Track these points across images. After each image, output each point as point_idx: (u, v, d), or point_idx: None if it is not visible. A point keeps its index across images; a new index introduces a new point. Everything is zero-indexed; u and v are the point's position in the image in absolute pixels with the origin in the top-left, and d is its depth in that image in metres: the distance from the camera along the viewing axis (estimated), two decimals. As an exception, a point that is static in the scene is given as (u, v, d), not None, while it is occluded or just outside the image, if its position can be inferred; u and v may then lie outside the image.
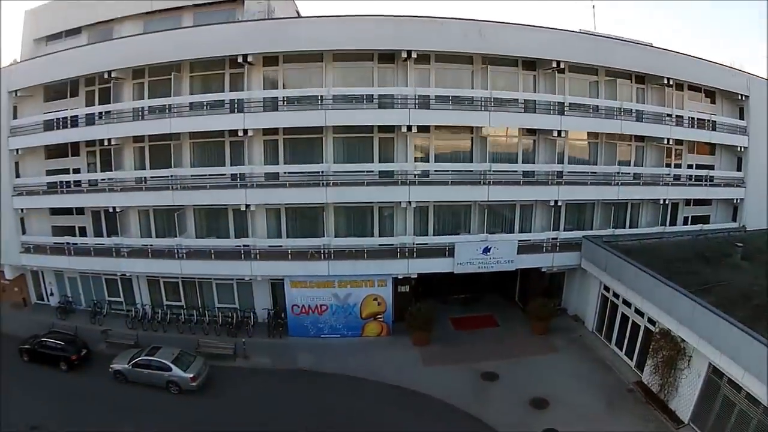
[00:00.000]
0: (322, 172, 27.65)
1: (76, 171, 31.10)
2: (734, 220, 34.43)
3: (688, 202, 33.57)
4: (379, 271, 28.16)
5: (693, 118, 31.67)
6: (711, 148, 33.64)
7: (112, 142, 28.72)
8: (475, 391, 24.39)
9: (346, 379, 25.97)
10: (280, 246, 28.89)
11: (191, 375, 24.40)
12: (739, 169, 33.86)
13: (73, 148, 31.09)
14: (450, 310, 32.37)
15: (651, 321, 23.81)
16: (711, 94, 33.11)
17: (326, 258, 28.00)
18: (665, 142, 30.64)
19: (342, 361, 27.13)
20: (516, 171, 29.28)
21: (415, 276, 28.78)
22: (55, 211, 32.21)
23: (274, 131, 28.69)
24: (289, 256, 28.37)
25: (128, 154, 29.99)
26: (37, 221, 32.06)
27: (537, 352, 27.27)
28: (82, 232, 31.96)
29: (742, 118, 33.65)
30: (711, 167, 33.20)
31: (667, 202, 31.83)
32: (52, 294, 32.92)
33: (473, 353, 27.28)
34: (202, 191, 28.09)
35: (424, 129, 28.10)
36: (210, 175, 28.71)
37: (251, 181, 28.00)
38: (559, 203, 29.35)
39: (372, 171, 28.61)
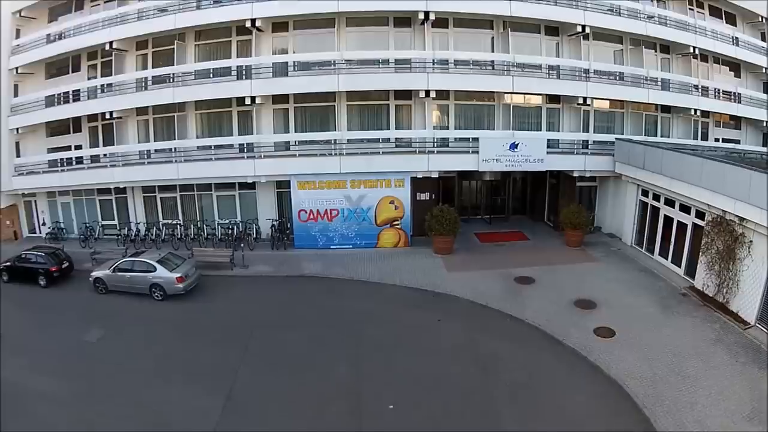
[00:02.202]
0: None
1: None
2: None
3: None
4: (397, 167, 23.89)
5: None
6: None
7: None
8: (510, 293, 20.12)
9: (358, 284, 21.68)
10: (287, 143, 24.79)
11: (177, 275, 20.22)
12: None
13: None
14: (474, 227, 28.00)
15: (699, 215, 20.02)
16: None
17: (338, 154, 23.88)
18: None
19: (354, 269, 22.71)
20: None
21: (436, 175, 24.37)
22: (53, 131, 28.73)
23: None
24: (297, 154, 24.48)
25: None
26: (33, 144, 28.84)
27: (574, 260, 23.00)
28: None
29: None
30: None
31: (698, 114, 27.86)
32: (44, 224, 29.55)
33: (503, 261, 22.88)
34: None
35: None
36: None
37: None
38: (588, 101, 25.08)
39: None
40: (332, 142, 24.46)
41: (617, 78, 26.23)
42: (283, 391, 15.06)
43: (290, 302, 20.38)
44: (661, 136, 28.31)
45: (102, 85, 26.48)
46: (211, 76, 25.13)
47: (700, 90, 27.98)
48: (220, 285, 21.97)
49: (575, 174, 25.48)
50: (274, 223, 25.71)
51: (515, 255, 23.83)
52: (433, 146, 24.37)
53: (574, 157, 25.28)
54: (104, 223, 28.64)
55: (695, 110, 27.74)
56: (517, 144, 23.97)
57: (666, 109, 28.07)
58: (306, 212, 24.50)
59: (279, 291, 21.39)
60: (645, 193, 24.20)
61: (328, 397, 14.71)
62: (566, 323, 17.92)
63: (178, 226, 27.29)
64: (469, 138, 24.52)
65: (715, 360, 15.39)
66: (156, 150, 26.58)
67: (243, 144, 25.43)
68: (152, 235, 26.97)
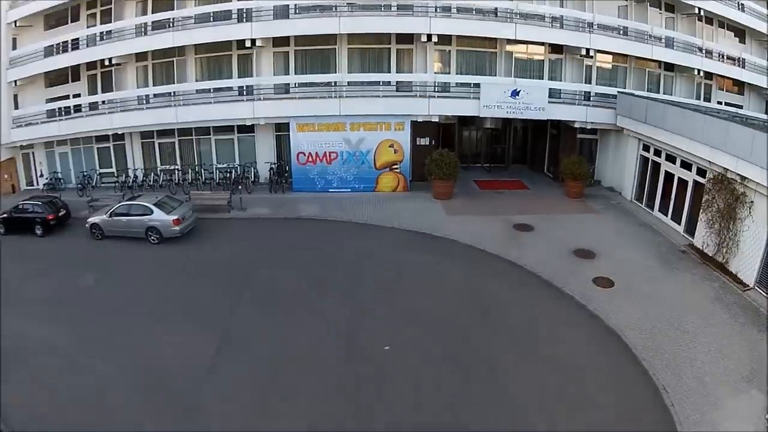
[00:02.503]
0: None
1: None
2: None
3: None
4: (397, 110, 23.37)
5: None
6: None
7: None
8: (509, 239, 19.80)
9: (356, 226, 21.31)
10: (287, 85, 24.12)
11: (174, 217, 19.84)
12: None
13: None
14: (474, 175, 27.48)
15: (700, 172, 19.39)
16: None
17: (337, 96, 23.40)
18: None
19: (352, 212, 22.29)
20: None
21: (437, 119, 23.90)
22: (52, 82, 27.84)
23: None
24: (297, 96, 23.85)
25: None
26: (32, 95, 27.94)
27: (574, 211, 22.58)
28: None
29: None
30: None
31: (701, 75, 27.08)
32: (41, 175, 28.81)
33: (502, 207, 22.50)
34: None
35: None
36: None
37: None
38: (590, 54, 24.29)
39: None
40: (332, 84, 23.85)
41: (621, 33, 25.34)
42: (278, 331, 14.76)
43: (288, 243, 20.05)
44: (664, 94, 27.43)
45: (101, 33, 25.65)
46: (212, 20, 24.17)
47: (704, 52, 27.15)
48: (218, 227, 21.65)
49: (576, 125, 24.89)
50: (273, 166, 25.28)
51: (515, 203, 23.44)
52: (434, 91, 23.79)
53: (575, 108, 24.64)
54: (102, 171, 28.05)
55: (699, 71, 27.00)
56: (519, 91, 23.39)
57: (669, 67, 27.29)
58: (305, 155, 24.08)
59: (276, 233, 21.00)
60: (646, 147, 23.58)
61: (324, 338, 14.39)
62: (565, 271, 17.57)
63: (176, 171, 26.75)
64: (470, 84, 23.87)
65: (714, 318, 14.92)
66: (155, 95, 25.76)
67: (242, 87, 24.71)
68: (150, 180, 26.39)
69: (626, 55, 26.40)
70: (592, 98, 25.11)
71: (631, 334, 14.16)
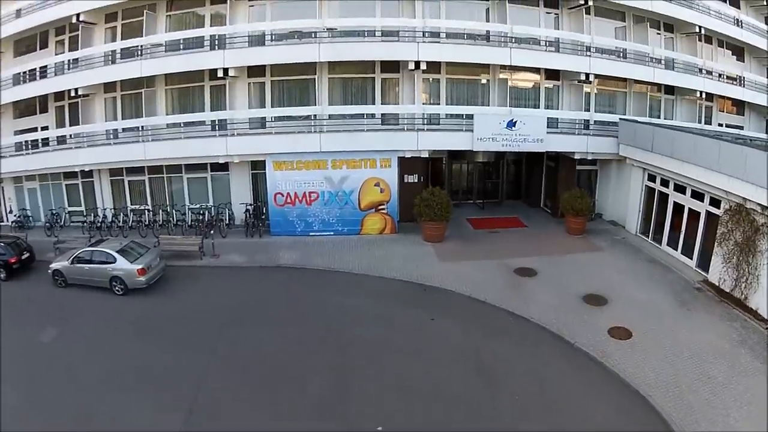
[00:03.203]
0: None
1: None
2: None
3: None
4: (383, 146, 20.47)
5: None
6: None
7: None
8: (511, 286, 17.00)
9: (340, 275, 18.27)
10: (263, 119, 21.49)
11: (139, 267, 17.02)
12: None
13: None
14: (466, 212, 24.34)
15: (714, 203, 17.32)
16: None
17: (318, 131, 20.53)
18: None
19: (335, 259, 19.25)
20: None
21: (426, 155, 20.94)
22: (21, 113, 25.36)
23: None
24: (273, 131, 21.03)
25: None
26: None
27: (577, 250, 19.91)
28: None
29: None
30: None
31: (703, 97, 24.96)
32: (10, 211, 26.15)
33: (500, 249, 19.64)
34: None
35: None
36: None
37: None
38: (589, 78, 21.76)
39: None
40: (312, 117, 20.79)
41: (620, 56, 22.81)
42: (253, 406, 11.84)
43: (264, 296, 16.87)
44: (665, 119, 24.74)
45: (69, 61, 22.74)
46: (181, 48, 21.48)
47: (704, 72, 24.81)
48: (188, 277, 18.41)
49: (576, 156, 21.98)
50: (249, 207, 21.99)
51: (512, 243, 20.45)
52: (423, 123, 20.83)
53: (575, 138, 21.93)
54: (71, 209, 24.91)
55: (700, 93, 24.42)
56: (515, 122, 20.44)
57: (670, 90, 24.70)
58: (283, 195, 20.90)
59: (252, 284, 17.82)
60: (652, 177, 20.70)
61: (306, 415, 11.55)
62: (576, 322, 14.71)
63: (146, 211, 23.52)
64: (462, 115, 21.02)
65: (742, 363, 12.96)
66: (124, 129, 22.76)
67: (215, 121, 21.68)
68: (119, 221, 23.20)
69: (625, 80, 23.59)
70: (591, 127, 22.27)
71: (657, 394, 11.90)
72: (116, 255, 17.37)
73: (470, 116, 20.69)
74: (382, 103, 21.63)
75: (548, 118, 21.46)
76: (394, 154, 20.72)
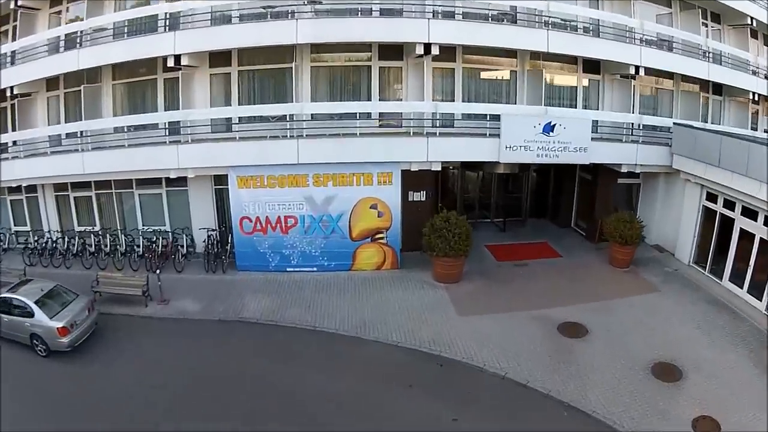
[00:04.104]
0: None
1: None
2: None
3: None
4: (381, 155, 12.98)
5: None
6: None
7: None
8: (557, 356, 10.22)
9: (322, 338, 11.16)
10: (228, 120, 14.04)
11: (60, 325, 10.37)
12: None
13: None
14: (484, 236, 16.20)
15: None
16: None
17: (296, 136, 13.09)
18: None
19: (317, 309, 12.13)
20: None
21: (438, 167, 13.35)
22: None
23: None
24: (237, 137, 13.45)
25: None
26: None
27: (628, 290, 13.11)
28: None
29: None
30: None
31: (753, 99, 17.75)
32: None
33: (534, 293, 12.73)
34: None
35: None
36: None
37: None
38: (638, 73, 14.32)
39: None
40: (288, 118, 13.39)
41: (666, 47, 15.54)
42: None
43: (219, 371, 10.02)
44: (712, 123, 17.50)
45: (8, 54, 15.18)
46: (126, 32, 14.35)
47: (758, 70, 17.58)
48: (126, 333, 11.54)
49: (623, 169, 14.76)
50: (211, 233, 14.46)
51: (548, 283, 13.37)
52: (434, 125, 13.41)
53: (623, 147, 14.64)
54: (17, 229, 17.42)
55: (754, 94, 17.35)
56: (554, 125, 13.20)
57: (717, 90, 17.46)
58: (251, 220, 13.49)
59: (205, 348, 10.91)
60: (712, 197, 13.83)
61: None
62: (651, 412, 8.57)
63: (93, 235, 15.88)
64: (485, 115, 13.52)
65: None
66: (68, 134, 15.32)
67: (167, 124, 14.22)
68: (65, 246, 15.76)
69: (671, 76, 16.47)
70: (640, 132, 14.93)
71: None
72: (34, 307, 10.77)
73: (495, 117, 13.34)
74: (380, 100, 14.05)
75: (594, 120, 14.19)
76: (396, 167, 13.21)
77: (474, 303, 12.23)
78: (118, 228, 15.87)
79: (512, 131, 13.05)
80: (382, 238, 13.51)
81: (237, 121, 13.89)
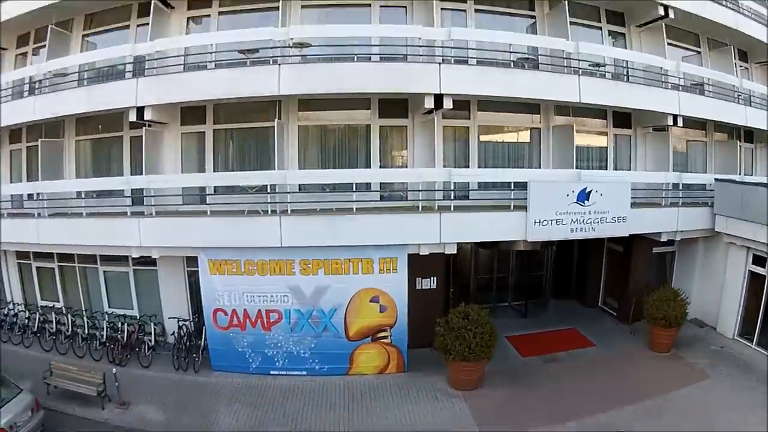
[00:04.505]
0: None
1: None
2: None
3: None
4: (384, 236, 9.68)
5: None
6: None
7: None
8: None
9: None
10: (202, 190, 10.91)
11: None
12: None
13: None
14: (503, 324, 11.77)
15: None
16: None
17: (279, 212, 9.81)
18: None
19: (309, 427, 8.84)
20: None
21: (453, 251, 10.12)
22: None
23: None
24: (209, 211, 10.21)
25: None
26: None
27: (677, 381, 10.08)
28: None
29: None
30: None
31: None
32: None
33: (573, 399, 9.44)
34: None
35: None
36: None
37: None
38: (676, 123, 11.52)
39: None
40: (269, 189, 10.10)
41: (698, 92, 12.75)
42: None
43: None
44: (744, 174, 14.54)
45: None
46: (87, 80, 11.38)
47: None
48: None
49: (663, 237, 11.70)
50: (184, 324, 11.08)
51: (586, 381, 10.12)
52: (447, 197, 10.15)
53: (661, 212, 11.63)
54: None
55: None
56: (590, 192, 10.18)
57: (748, 137, 14.80)
58: (226, 314, 10.12)
59: None
60: (760, 260, 11.06)
61: None
62: None
63: (53, 312, 12.50)
64: (509, 184, 10.29)
65: None
66: (29, 195, 12.16)
67: (132, 191, 10.94)
68: (26, 321, 12.57)
69: (703, 125, 13.77)
70: (680, 193, 11.97)
71: None
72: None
73: (521, 186, 10.14)
74: (381, 166, 10.86)
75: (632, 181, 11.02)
76: (402, 251, 9.85)
77: (501, 417, 8.94)
78: (82, 308, 12.54)
79: (542, 202, 9.94)
80: (385, 337, 10.10)
81: (212, 192, 10.86)
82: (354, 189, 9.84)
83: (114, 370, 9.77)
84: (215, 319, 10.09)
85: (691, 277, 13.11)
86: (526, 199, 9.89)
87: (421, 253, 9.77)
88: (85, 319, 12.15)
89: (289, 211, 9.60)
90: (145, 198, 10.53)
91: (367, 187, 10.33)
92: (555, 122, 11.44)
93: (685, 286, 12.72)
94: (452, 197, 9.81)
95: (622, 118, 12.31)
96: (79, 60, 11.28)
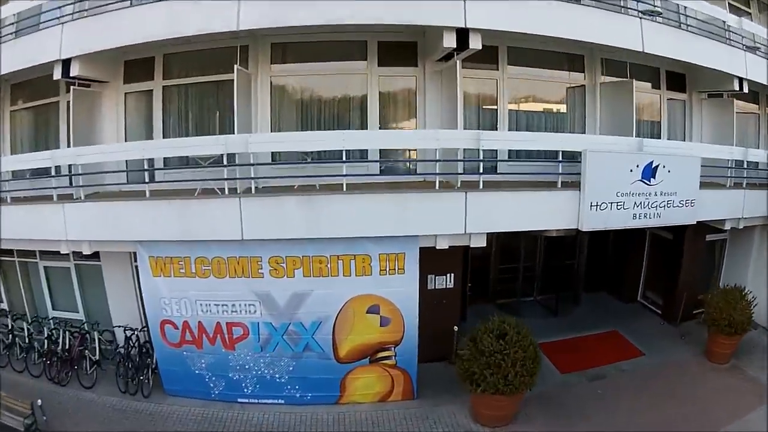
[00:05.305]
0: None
1: None
2: None
3: None
4: (388, 225, 5.85)
5: None
6: None
7: None
8: None
9: None
10: (150, 165, 6.36)
11: None
12: None
13: None
14: (532, 326, 6.40)
15: None
16: None
17: (239, 192, 6.00)
18: None
19: None
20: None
21: (482, 243, 6.12)
22: None
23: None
24: (147, 192, 6.23)
25: None
26: None
27: (745, 403, 6.68)
28: None
29: None
30: None
31: None
32: None
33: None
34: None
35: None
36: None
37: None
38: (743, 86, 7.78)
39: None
40: (226, 159, 6.07)
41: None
42: None
43: None
44: None
45: None
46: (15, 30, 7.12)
47: None
48: None
49: (727, 225, 8.01)
50: (135, 333, 7.40)
51: (641, 407, 6.60)
52: (476, 171, 6.11)
53: (726, 195, 7.85)
54: None
55: None
56: (656, 167, 6.35)
57: None
58: (176, 326, 6.42)
59: None
60: None
61: None
62: None
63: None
64: (555, 154, 6.35)
65: None
66: None
67: (69, 170, 6.76)
68: None
69: (756, 97, 9.60)
70: (744, 173, 8.10)
71: None
72: None
73: (570, 157, 6.35)
74: (381, 127, 6.85)
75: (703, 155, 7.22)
76: (412, 244, 6.02)
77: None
78: (26, 311, 8.83)
79: (601, 178, 6.19)
80: (388, 357, 6.47)
81: (165, 168, 7.04)
82: (343, 160, 6.01)
83: (39, 402, 6.37)
84: (163, 333, 6.51)
85: (743, 271, 9.45)
86: (579, 174, 6.20)
87: (438, 247, 6.08)
88: (26, 324, 8.67)
89: (253, 189, 5.93)
90: (73, 177, 6.98)
91: (362, 156, 6.50)
92: (600, 78, 7.61)
93: (736, 280, 8.95)
94: (480, 170, 6.08)
95: (675, 80, 8.67)
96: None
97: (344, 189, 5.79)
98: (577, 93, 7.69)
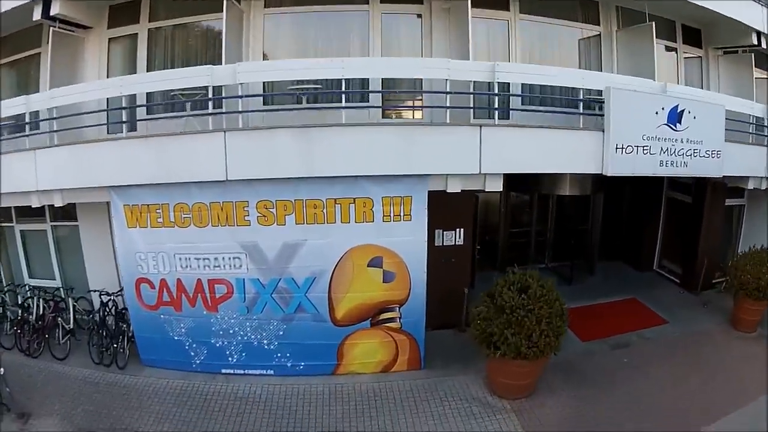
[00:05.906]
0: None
1: None
2: None
3: None
4: (392, 163, 4.60)
5: None
6: None
7: None
8: None
9: None
10: (131, 105, 5.09)
11: None
12: None
13: None
14: None
15: None
16: None
17: (223, 129, 4.69)
18: None
19: None
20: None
21: (498, 187, 4.79)
22: None
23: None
24: (123, 131, 5.07)
25: None
26: None
27: None
28: None
29: None
30: None
31: None
32: None
33: (663, 405, 4.69)
34: None
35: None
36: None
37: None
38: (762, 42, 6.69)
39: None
40: (211, 91, 4.77)
41: None
42: None
43: None
44: None
45: None
46: None
47: None
48: None
49: (750, 184, 6.72)
50: (111, 299, 6.00)
51: (671, 376, 5.28)
52: (491, 106, 4.96)
53: (748, 151, 6.45)
54: None
55: None
56: (681, 112, 5.15)
57: None
58: (152, 286, 5.14)
59: None
60: None
61: None
62: None
63: None
64: (578, 92, 5.08)
65: None
66: None
67: (37, 116, 5.54)
68: None
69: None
70: (765, 131, 6.79)
71: None
72: None
73: (594, 96, 5.19)
74: (384, 55, 5.46)
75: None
76: (420, 186, 4.70)
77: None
78: (2, 280, 7.64)
79: (626, 119, 5.01)
80: (392, 319, 5.18)
81: (146, 114, 5.72)
82: (342, 89, 4.80)
83: (1, 370, 5.14)
84: (139, 293, 5.23)
85: (761, 236, 8.40)
86: (602, 114, 5.02)
87: (449, 190, 4.82)
88: (0, 294, 7.41)
89: (240, 125, 4.73)
90: (47, 122, 5.74)
91: (362, 85, 5.26)
92: (614, 27, 6.51)
93: (756, 243, 8.10)
94: (495, 105, 4.88)
95: (690, 34, 7.65)
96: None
97: (343, 123, 4.58)
98: (592, 43, 6.57)
